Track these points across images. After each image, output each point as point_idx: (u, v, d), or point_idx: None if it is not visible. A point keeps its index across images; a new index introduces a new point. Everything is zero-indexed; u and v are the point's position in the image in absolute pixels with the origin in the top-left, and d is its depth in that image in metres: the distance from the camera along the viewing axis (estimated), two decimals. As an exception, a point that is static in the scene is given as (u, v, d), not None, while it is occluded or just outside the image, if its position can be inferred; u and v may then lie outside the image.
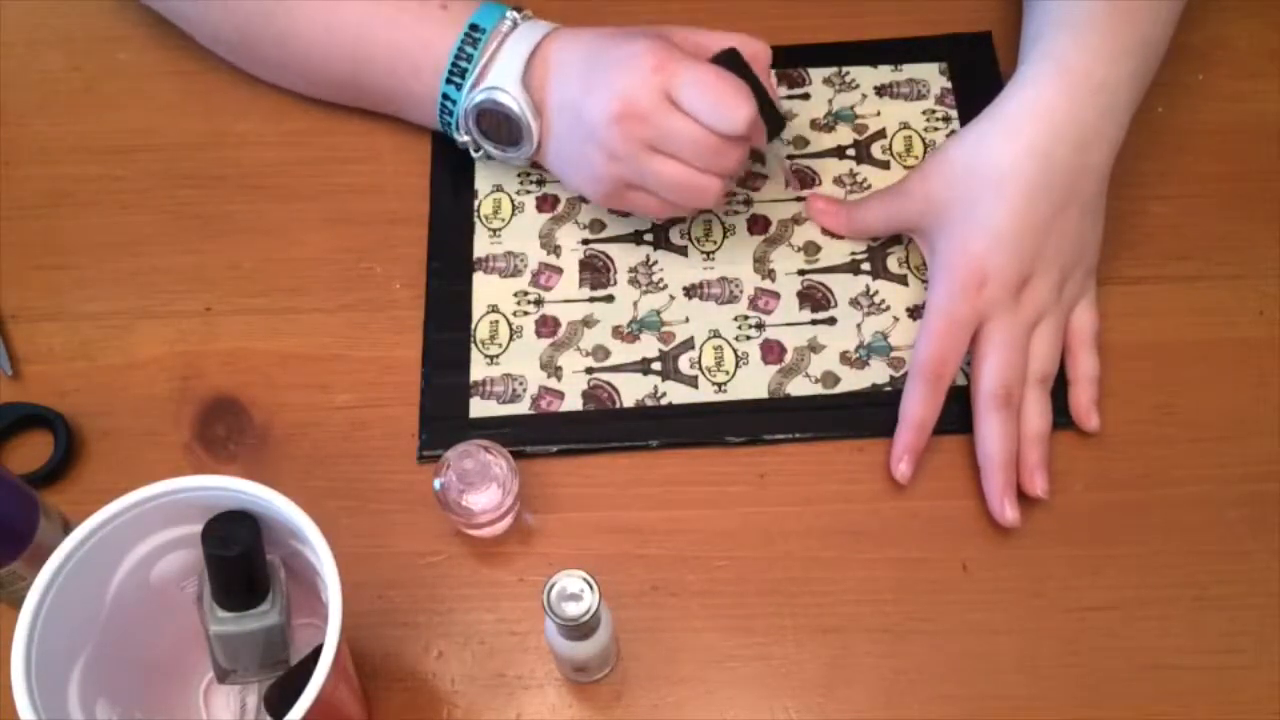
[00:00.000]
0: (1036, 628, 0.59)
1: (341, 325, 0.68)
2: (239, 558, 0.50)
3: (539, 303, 0.68)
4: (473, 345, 0.67)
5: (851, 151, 0.73)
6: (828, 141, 0.73)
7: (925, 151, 0.72)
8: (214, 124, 0.74)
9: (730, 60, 0.62)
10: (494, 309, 0.68)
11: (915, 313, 0.67)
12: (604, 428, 0.65)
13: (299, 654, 0.53)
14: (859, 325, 0.67)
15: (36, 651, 0.47)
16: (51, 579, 0.48)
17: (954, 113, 0.74)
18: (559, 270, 0.69)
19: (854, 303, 0.68)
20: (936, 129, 0.73)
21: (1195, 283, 0.68)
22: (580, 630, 0.53)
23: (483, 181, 0.72)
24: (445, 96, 0.66)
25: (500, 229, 0.71)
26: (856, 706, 0.58)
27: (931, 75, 0.75)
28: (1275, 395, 0.65)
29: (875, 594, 0.60)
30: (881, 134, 0.73)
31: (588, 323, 0.68)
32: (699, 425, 0.65)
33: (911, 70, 0.75)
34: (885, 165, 0.72)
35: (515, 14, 0.65)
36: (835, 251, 0.69)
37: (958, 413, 0.64)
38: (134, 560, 0.51)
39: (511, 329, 0.67)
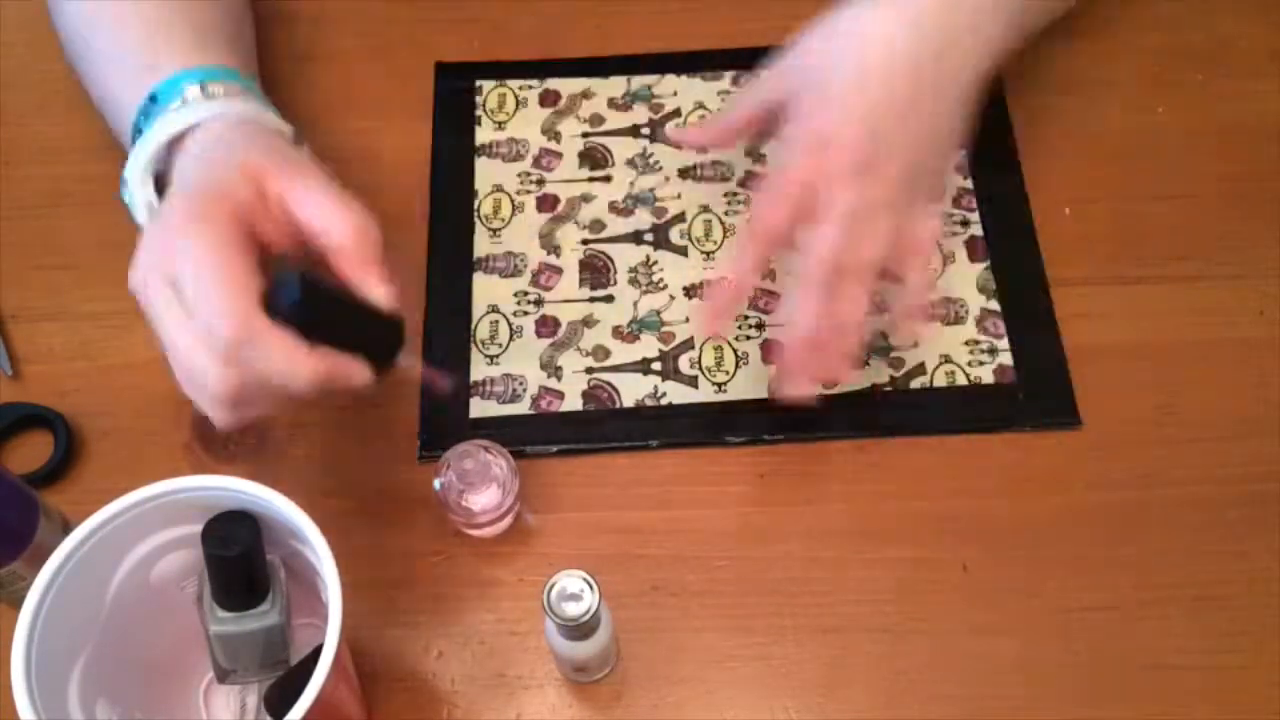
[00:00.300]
0: (1036, 628, 0.59)
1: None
2: (239, 558, 0.50)
3: (539, 303, 0.68)
4: (473, 345, 0.67)
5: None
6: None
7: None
8: (214, 124, 0.74)
9: (299, 294, 0.48)
10: (494, 309, 0.68)
11: (915, 313, 0.67)
12: (604, 428, 0.65)
13: (299, 654, 0.53)
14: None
15: (36, 651, 0.47)
16: (51, 579, 0.48)
17: (954, 113, 0.74)
18: (559, 270, 0.69)
19: (854, 303, 0.68)
20: (936, 129, 0.73)
21: (1195, 283, 0.68)
22: (580, 630, 0.53)
23: (483, 181, 0.72)
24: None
25: (500, 229, 0.71)
26: (856, 706, 0.58)
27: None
28: (1275, 395, 0.65)
29: (875, 594, 0.60)
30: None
31: (588, 323, 0.68)
32: (699, 425, 0.65)
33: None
34: (885, 165, 0.72)
35: (194, 86, 0.56)
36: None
37: (953, 412, 0.64)
38: (134, 560, 0.51)
39: (511, 329, 0.67)
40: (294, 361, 0.48)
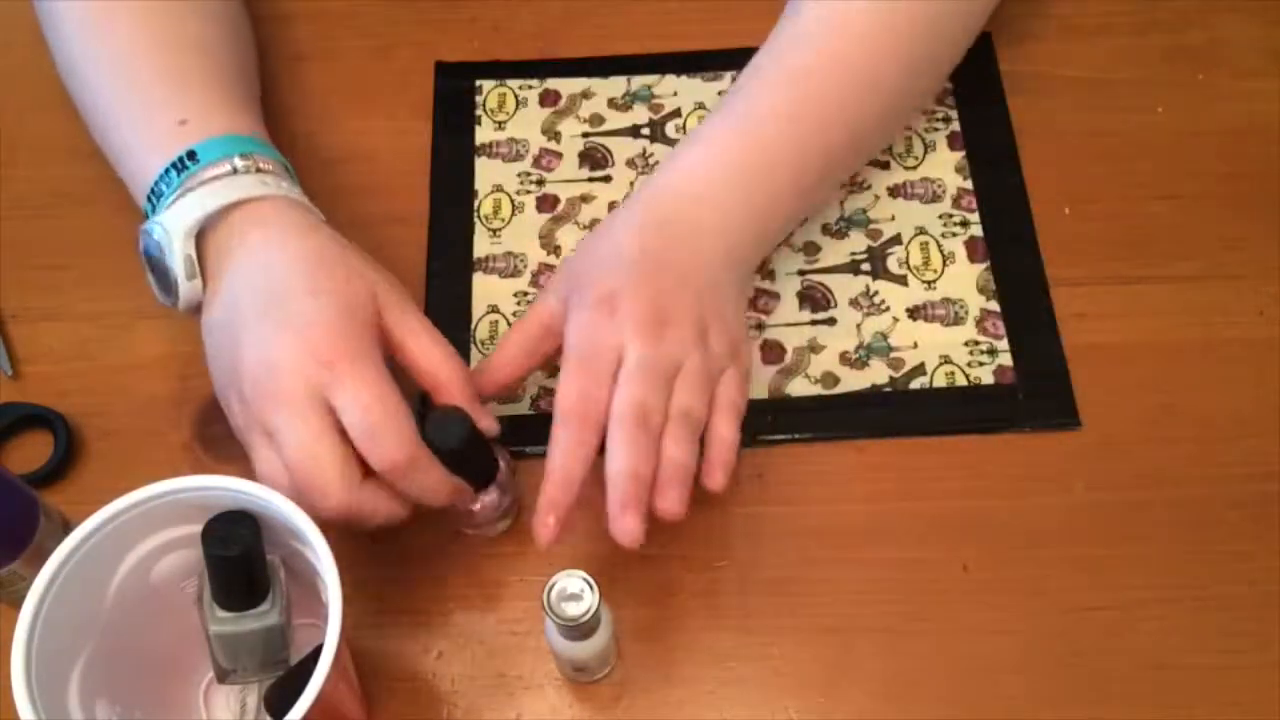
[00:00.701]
0: (1036, 628, 0.59)
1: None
2: (239, 558, 0.50)
3: (539, 303, 0.68)
4: (473, 345, 0.67)
5: (851, 151, 0.73)
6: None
7: (925, 151, 0.72)
8: (214, 124, 0.74)
9: (465, 434, 0.55)
10: (494, 309, 0.68)
11: (915, 313, 0.67)
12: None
13: (299, 654, 0.53)
14: (859, 326, 0.67)
15: (36, 651, 0.47)
16: (51, 579, 0.48)
17: (954, 113, 0.74)
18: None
19: (854, 303, 0.68)
20: (937, 129, 0.73)
21: (1195, 283, 0.68)
22: (580, 630, 0.53)
23: (483, 181, 0.72)
24: (147, 214, 0.59)
25: (500, 229, 0.71)
26: (856, 706, 0.58)
27: (931, 75, 0.75)
28: (1275, 395, 0.65)
29: (875, 594, 0.60)
30: (881, 134, 0.73)
31: (588, 323, 0.68)
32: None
33: (911, 70, 0.75)
34: (885, 165, 0.72)
35: (244, 162, 0.58)
36: (835, 252, 0.69)
37: (953, 413, 0.64)
38: (134, 560, 0.51)
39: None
40: (442, 488, 0.54)
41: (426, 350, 0.56)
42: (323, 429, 0.51)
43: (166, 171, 0.58)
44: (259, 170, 0.58)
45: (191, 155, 0.57)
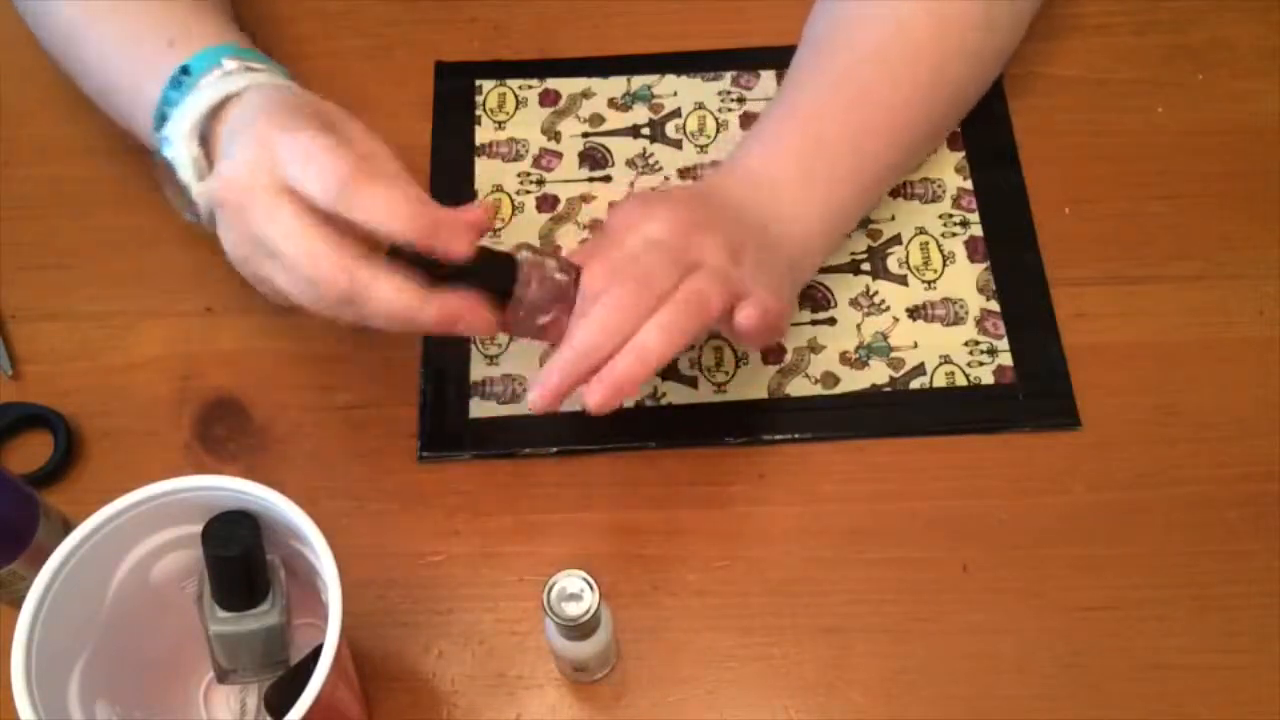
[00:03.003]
0: (1036, 628, 0.59)
1: (341, 325, 0.68)
2: (239, 558, 0.50)
3: (539, 303, 0.68)
4: (473, 345, 0.67)
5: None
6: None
7: (925, 159, 0.72)
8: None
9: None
10: (494, 309, 0.68)
11: (915, 313, 0.67)
12: (604, 428, 0.64)
13: (299, 654, 0.53)
14: (859, 325, 0.67)
15: (36, 651, 0.47)
16: (51, 579, 0.48)
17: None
18: (559, 270, 0.69)
19: (854, 303, 0.68)
20: (936, 129, 0.73)
21: (1195, 283, 0.68)
22: (580, 630, 0.53)
23: (483, 181, 0.72)
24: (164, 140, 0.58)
25: (500, 229, 0.71)
26: (856, 706, 0.58)
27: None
28: (1275, 395, 0.65)
29: (875, 594, 0.60)
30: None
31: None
32: (699, 425, 0.65)
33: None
34: (885, 165, 0.72)
35: (233, 63, 0.57)
36: (835, 252, 0.69)
37: (953, 413, 0.64)
38: (134, 560, 0.51)
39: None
40: (401, 209, 0.51)
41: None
42: (297, 212, 0.51)
43: (165, 94, 0.58)
44: (249, 70, 0.58)
45: (185, 70, 0.57)
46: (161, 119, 0.57)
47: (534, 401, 0.53)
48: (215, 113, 0.56)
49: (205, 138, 0.56)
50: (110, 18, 0.63)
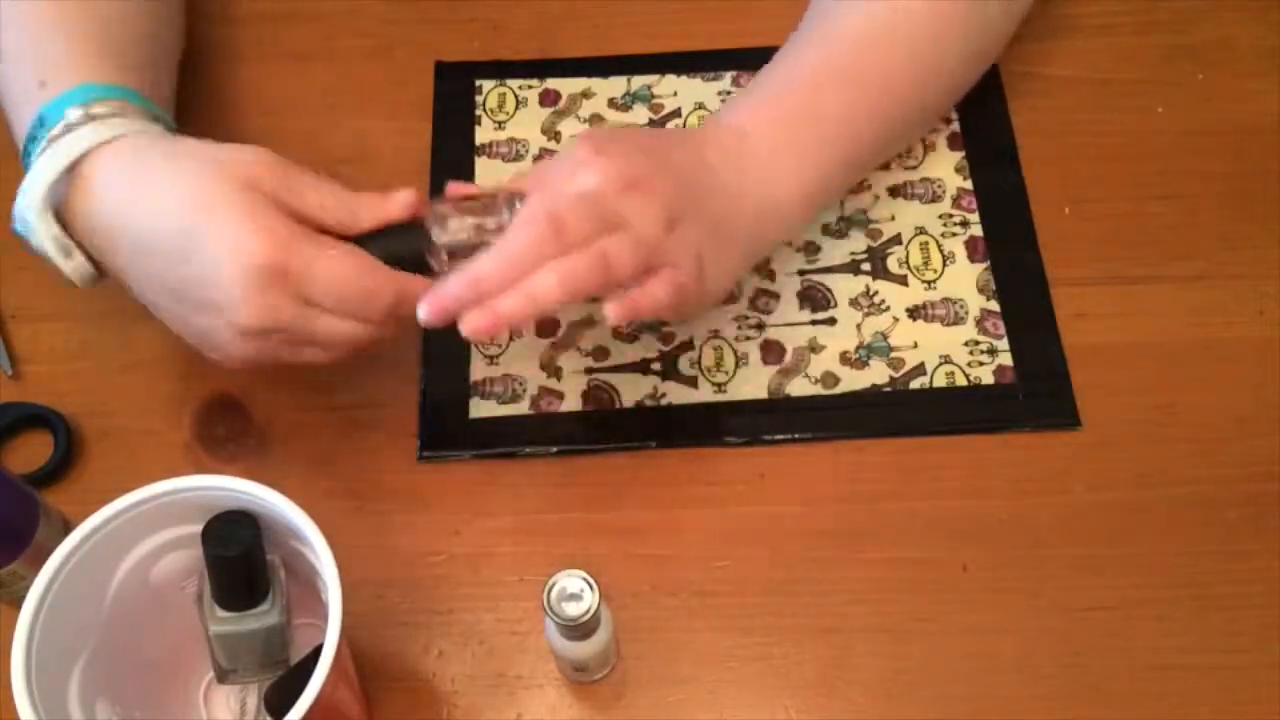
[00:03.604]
0: (1036, 628, 0.59)
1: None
2: (239, 558, 0.50)
3: (539, 303, 0.68)
4: (472, 345, 0.67)
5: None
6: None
7: (925, 151, 0.72)
8: (213, 124, 0.74)
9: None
10: (494, 309, 0.68)
11: (915, 313, 0.67)
12: (604, 428, 0.65)
13: (299, 654, 0.53)
14: (859, 325, 0.67)
15: (36, 651, 0.47)
16: (51, 579, 0.48)
17: (954, 113, 0.73)
18: (559, 270, 0.69)
19: (854, 303, 0.68)
20: (937, 129, 0.73)
21: (1195, 283, 0.68)
22: (580, 630, 0.53)
23: (483, 181, 0.72)
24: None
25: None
26: (856, 706, 0.58)
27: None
28: (1275, 395, 0.65)
29: (875, 594, 0.60)
30: (881, 134, 0.73)
31: (588, 323, 0.68)
32: (699, 425, 0.65)
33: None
34: (885, 165, 0.72)
35: (78, 110, 0.54)
36: (835, 251, 0.69)
37: (953, 413, 0.64)
38: (134, 560, 0.51)
39: (511, 329, 0.67)
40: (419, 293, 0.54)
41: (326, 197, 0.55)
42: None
43: (26, 148, 0.56)
44: (92, 118, 0.54)
45: (40, 121, 0.55)
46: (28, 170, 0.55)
47: (422, 315, 0.54)
48: (70, 174, 0.54)
49: (59, 205, 0.54)
50: (6, 28, 0.60)
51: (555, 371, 0.66)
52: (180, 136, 0.57)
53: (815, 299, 0.68)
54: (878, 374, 0.66)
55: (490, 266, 0.53)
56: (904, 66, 0.65)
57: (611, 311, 0.55)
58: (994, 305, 0.67)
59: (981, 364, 0.66)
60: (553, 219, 0.53)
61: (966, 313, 0.67)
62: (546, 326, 0.67)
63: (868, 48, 0.64)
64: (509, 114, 0.75)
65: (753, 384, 0.66)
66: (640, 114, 0.74)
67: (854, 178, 0.68)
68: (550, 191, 0.55)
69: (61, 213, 0.55)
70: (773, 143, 0.62)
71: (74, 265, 0.56)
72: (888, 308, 0.68)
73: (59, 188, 0.54)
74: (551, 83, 0.76)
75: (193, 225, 0.52)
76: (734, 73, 0.76)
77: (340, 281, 0.53)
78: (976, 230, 0.70)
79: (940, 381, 0.65)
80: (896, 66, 0.65)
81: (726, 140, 0.61)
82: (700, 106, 0.74)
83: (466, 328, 0.53)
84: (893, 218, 0.70)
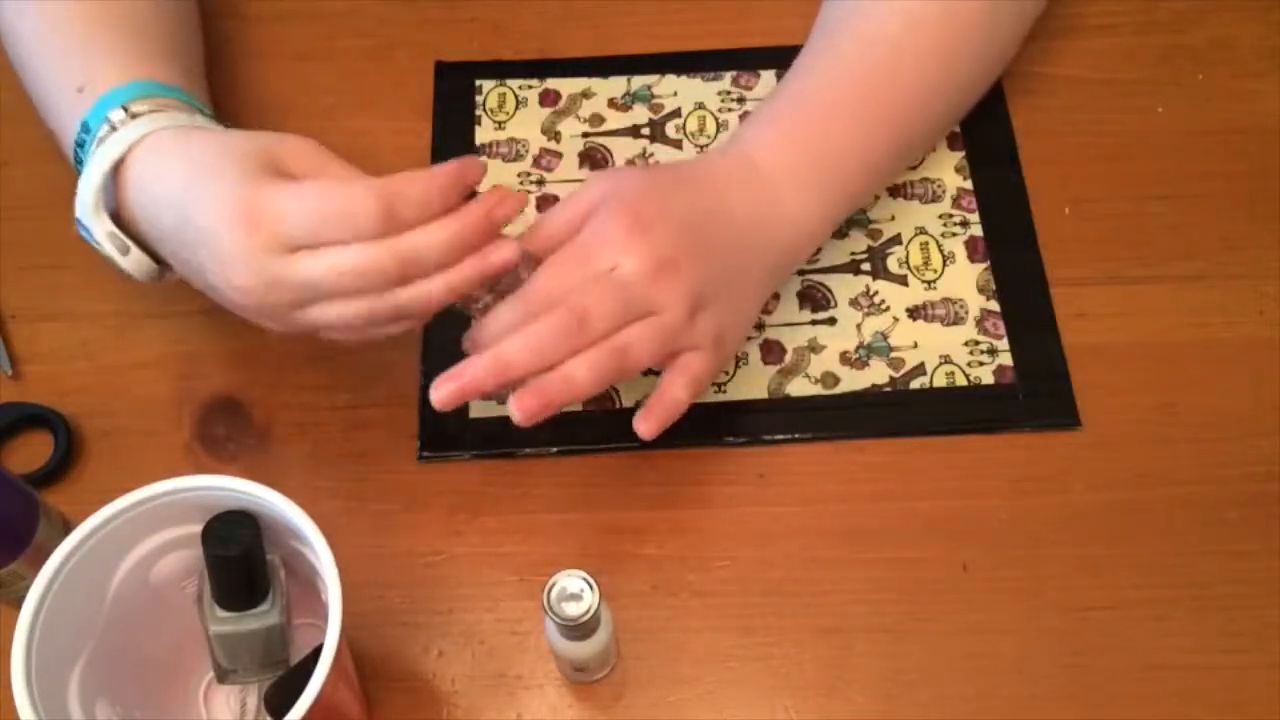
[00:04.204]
0: (1036, 628, 0.59)
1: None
2: (239, 558, 0.50)
3: (539, 303, 0.68)
4: (473, 345, 0.67)
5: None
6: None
7: (923, 156, 0.72)
8: (214, 124, 0.74)
9: None
10: (494, 309, 0.68)
11: (915, 313, 0.67)
12: (604, 428, 0.65)
13: (299, 654, 0.53)
14: (859, 325, 0.67)
15: (36, 651, 0.47)
16: (51, 579, 0.48)
17: (954, 113, 0.74)
18: (559, 270, 0.69)
19: (854, 303, 0.68)
20: (936, 129, 0.73)
21: (1195, 283, 0.68)
22: (580, 630, 0.53)
23: (483, 182, 0.72)
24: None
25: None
26: (856, 706, 0.58)
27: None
28: (1275, 395, 0.65)
29: (875, 594, 0.60)
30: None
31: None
32: (698, 425, 0.64)
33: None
34: (885, 165, 0.72)
35: (120, 114, 0.55)
36: (835, 252, 0.69)
37: (953, 413, 0.64)
38: (134, 560, 0.51)
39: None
40: (434, 179, 0.52)
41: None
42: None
43: (75, 151, 0.57)
44: (133, 116, 0.55)
45: (85, 127, 0.56)
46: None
47: (437, 396, 0.53)
48: (116, 175, 0.55)
49: (115, 205, 0.56)
50: (40, 40, 0.61)
51: (555, 371, 0.66)
52: (223, 128, 0.57)
53: (815, 299, 0.68)
54: (878, 374, 0.66)
55: (518, 352, 0.53)
56: (915, 84, 0.65)
57: (643, 429, 0.56)
58: (994, 305, 0.67)
59: (981, 364, 0.66)
60: (582, 309, 0.53)
61: (966, 313, 0.67)
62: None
63: (880, 66, 0.64)
64: (509, 114, 0.75)
65: (753, 384, 0.66)
66: (640, 114, 0.74)
67: (870, 195, 0.69)
68: (583, 265, 0.55)
69: (118, 211, 0.56)
70: (792, 175, 0.62)
71: (133, 261, 0.57)
72: (888, 308, 0.68)
73: (110, 187, 0.55)
74: (551, 83, 0.76)
75: (185, 198, 0.53)
76: (734, 73, 0.76)
77: (309, 207, 0.50)
78: (976, 230, 0.70)
79: (940, 381, 0.65)
80: (908, 85, 0.65)
81: (740, 180, 0.61)
82: (700, 106, 0.74)
83: (523, 412, 0.53)
84: (893, 218, 0.71)
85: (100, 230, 0.56)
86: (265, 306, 0.53)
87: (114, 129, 0.55)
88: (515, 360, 0.53)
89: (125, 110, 0.55)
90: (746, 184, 0.61)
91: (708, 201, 0.59)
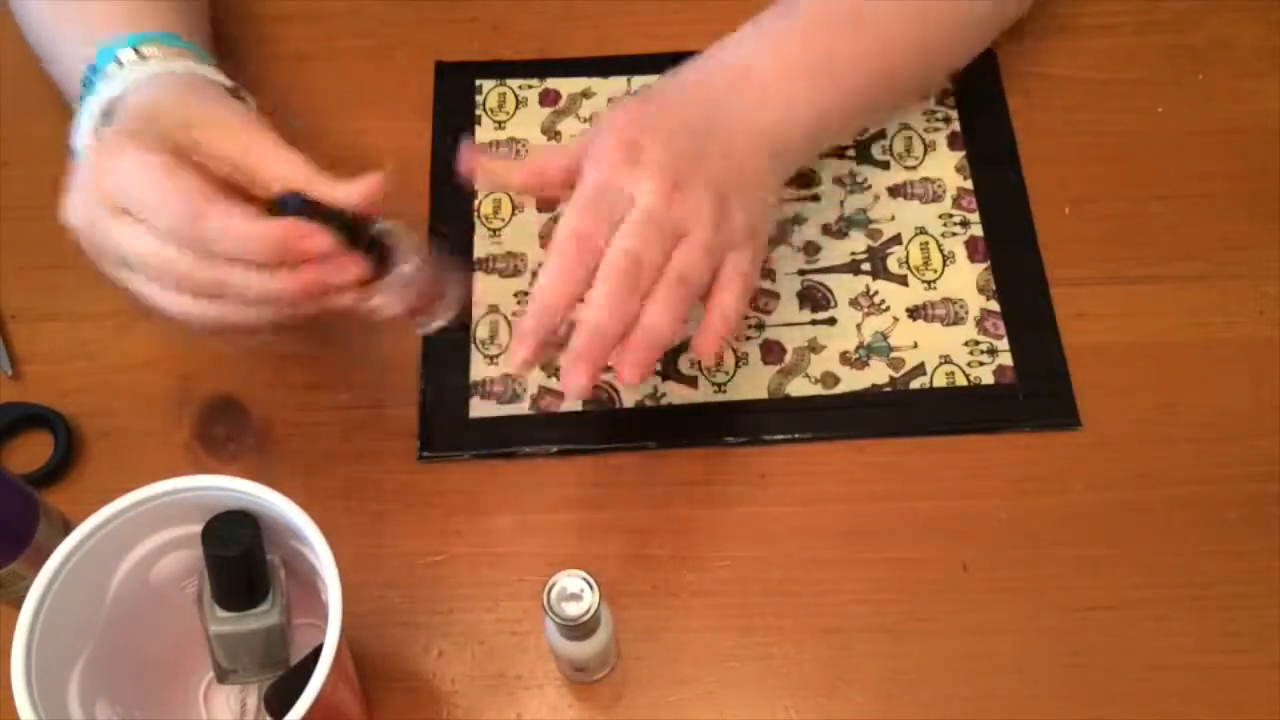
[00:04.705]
0: (1036, 628, 0.59)
1: (342, 325, 0.68)
2: (239, 558, 0.50)
3: (539, 303, 0.68)
4: (473, 345, 0.67)
5: (852, 153, 0.73)
6: (828, 141, 0.73)
7: (925, 151, 0.72)
8: (214, 124, 0.74)
9: (303, 200, 0.51)
10: (494, 309, 0.68)
11: (915, 313, 0.67)
12: (604, 428, 0.65)
13: (299, 654, 0.53)
14: (859, 325, 0.67)
15: (36, 651, 0.47)
16: (51, 579, 0.48)
17: (954, 113, 0.74)
18: (559, 270, 0.69)
19: (854, 303, 0.68)
20: (937, 129, 0.73)
21: (1195, 283, 0.68)
22: (580, 630, 0.53)
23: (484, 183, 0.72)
24: None
25: (500, 229, 0.71)
26: (856, 706, 0.58)
27: (931, 75, 0.75)
28: (1275, 395, 0.65)
29: (875, 594, 0.60)
30: (882, 134, 0.73)
31: (588, 323, 0.67)
32: (699, 425, 0.65)
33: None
34: (885, 165, 0.72)
35: (127, 52, 0.57)
36: (835, 252, 0.69)
37: (953, 413, 0.64)
38: (134, 560, 0.51)
39: (511, 329, 0.67)
40: (252, 230, 0.50)
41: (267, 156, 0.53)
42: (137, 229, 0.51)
43: (81, 93, 0.57)
44: (144, 59, 0.57)
45: (93, 68, 0.57)
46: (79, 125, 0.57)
47: (570, 390, 0.53)
48: (115, 109, 0.55)
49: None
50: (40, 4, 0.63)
51: (555, 371, 0.66)
52: (225, 83, 0.59)
53: (815, 299, 0.68)
54: (878, 374, 0.66)
55: (601, 318, 0.53)
56: (902, 13, 0.65)
57: (705, 350, 0.57)
58: (994, 305, 0.67)
59: (981, 364, 0.66)
60: (628, 264, 0.54)
61: (966, 313, 0.67)
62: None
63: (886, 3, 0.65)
64: (509, 114, 0.75)
65: (753, 384, 0.66)
66: (640, 114, 0.74)
67: (866, 112, 0.69)
68: (606, 207, 0.55)
69: None
70: (777, 75, 0.62)
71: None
72: (888, 308, 0.68)
73: (108, 117, 0.55)
74: (551, 83, 0.76)
75: None
76: (734, 73, 0.75)
77: (138, 181, 0.50)
78: (976, 230, 0.70)
79: (940, 381, 0.65)
80: (895, 12, 0.65)
81: (730, 78, 0.62)
82: (700, 106, 0.74)
83: (632, 379, 0.54)
84: (893, 218, 0.71)
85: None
86: (91, 250, 0.53)
87: (121, 66, 0.56)
88: (608, 327, 0.53)
89: (136, 52, 0.57)
90: (733, 87, 0.61)
91: (695, 107, 0.60)
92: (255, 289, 0.51)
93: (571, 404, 0.65)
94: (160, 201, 0.50)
